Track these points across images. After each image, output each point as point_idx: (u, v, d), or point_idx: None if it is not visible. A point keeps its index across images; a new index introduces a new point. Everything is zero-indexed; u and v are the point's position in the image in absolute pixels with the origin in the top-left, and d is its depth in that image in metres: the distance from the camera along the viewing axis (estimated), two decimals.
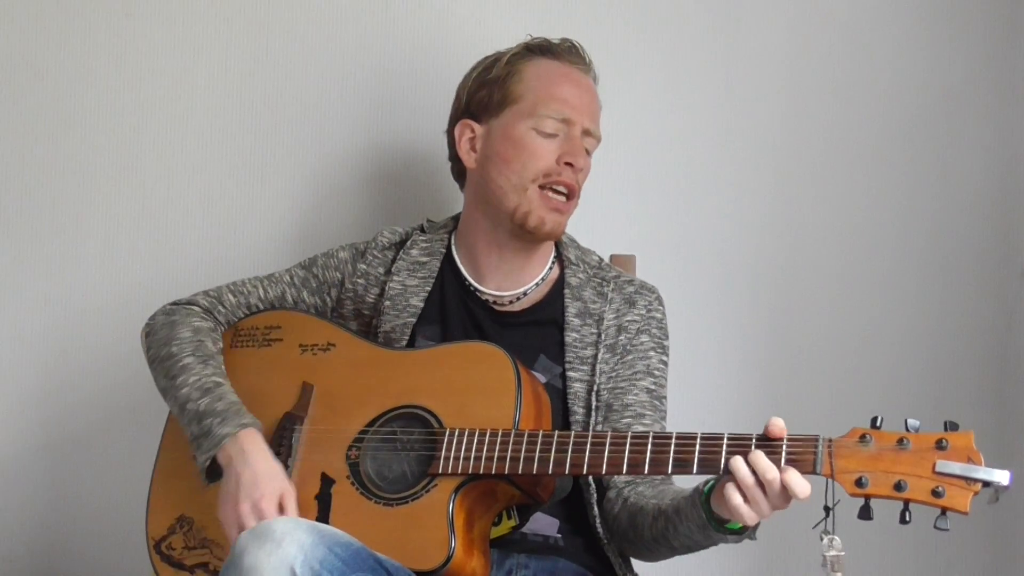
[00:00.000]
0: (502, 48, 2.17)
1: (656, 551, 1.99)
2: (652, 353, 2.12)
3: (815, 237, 2.65)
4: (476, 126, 2.14)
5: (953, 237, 2.65)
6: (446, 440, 1.90)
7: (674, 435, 1.79)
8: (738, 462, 1.72)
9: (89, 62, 2.56)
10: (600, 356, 2.08)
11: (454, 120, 2.18)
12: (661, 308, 2.16)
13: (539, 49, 2.15)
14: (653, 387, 2.11)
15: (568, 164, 2.08)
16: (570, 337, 2.10)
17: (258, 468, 1.93)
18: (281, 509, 1.91)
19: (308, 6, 2.59)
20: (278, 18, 2.58)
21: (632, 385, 2.09)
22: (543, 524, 2.06)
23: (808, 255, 2.65)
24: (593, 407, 2.06)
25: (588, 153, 2.13)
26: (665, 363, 2.14)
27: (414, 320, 2.14)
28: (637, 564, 2.10)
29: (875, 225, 2.65)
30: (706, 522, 1.80)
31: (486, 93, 2.13)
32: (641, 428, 2.06)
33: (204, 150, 2.58)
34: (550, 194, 2.09)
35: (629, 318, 2.12)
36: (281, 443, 2.04)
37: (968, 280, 2.64)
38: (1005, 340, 2.64)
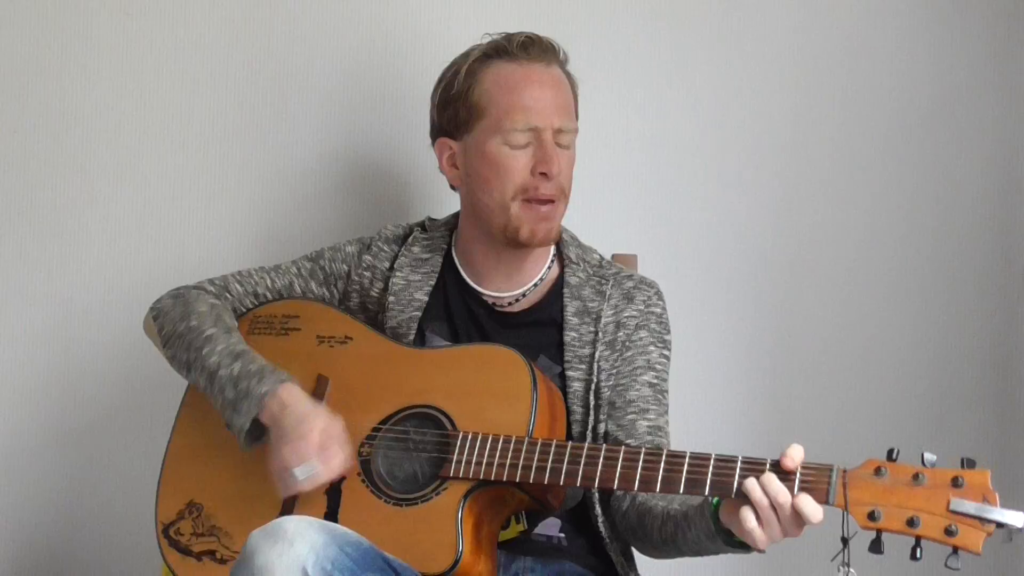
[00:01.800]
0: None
1: (665, 552, 1.99)
2: (652, 348, 2.11)
3: (816, 237, 2.65)
4: (453, 144, 2.12)
5: (955, 238, 2.65)
6: (459, 443, 1.90)
7: (688, 455, 1.79)
8: (752, 484, 1.72)
9: (90, 62, 2.55)
10: (598, 354, 2.08)
11: (433, 137, 2.16)
12: (661, 303, 2.14)
13: (495, 51, 2.09)
14: (655, 381, 2.09)
15: (543, 174, 2.05)
16: (569, 336, 2.09)
17: (299, 411, 1.93)
18: (327, 443, 1.91)
19: (310, 5, 2.58)
20: (280, 17, 2.57)
21: (633, 381, 2.08)
22: (546, 524, 2.07)
23: (809, 255, 2.65)
24: (592, 406, 2.06)
25: (566, 147, 2.08)
26: (667, 357, 2.12)
27: (419, 314, 2.14)
28: (641, 565, 2.10)
29: (877, 225, 2.65)
30: (715, 533, 1.80)
31: (452, 111, 2.10)
32: (646, 424, 2.05)
33: (206, 149, 2.57)
34: (534, 204, 2.06)
35: (627, 314, 2.11)
36: None
37: (970, 281, 2.65)
38: (1007, 341, 2.64)
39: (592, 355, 2.07)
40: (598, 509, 2.05)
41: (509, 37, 2.09)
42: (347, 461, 1.94)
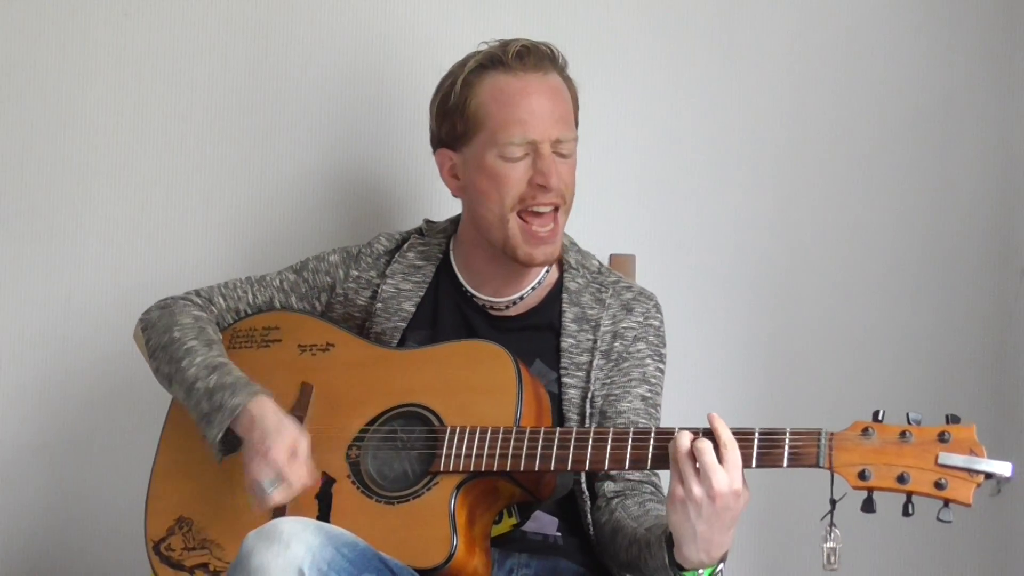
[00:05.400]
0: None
1: (629, 572, 1.98)
2: (649, 361, 2.10)
3: (815, 236, 2.66)
4: (453, 155, 2.11)
5: (953, 236, 2.67)
6: (447, 438, 1.90)
7: (677, 429, 1.79)
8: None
9: (88, 62, 2.55)
10: (595, 363, 2.07)
11: (434, 146, 2.16)
12: (659, 316, 2.14)
13: (491, 61, 2.07)
14: (648, 395, 2.09)
15: (541, 186, 2.04)
16: (566, 343, 2.09)
17: (268, 425, 1.94)
18: (294, 456, 1.92)
19: (307, 7, 2.59)
20: (277, 18, 2.58)
21: (627, 392, 2.07)
22: (543, 523, 2.07)
23: (808, 254, 2.66)
24: (587, 414, 2.06)
25: (566, 156, 2.07)
26: (662, 371, 2.12)
27: (404, 325, 2.14)
28: None
29: (875, 224, 2.66)
30: (667, 566, 1.80)
31: (450, 124, 2.09)
32: None
33: (203, 150, 2.57)
34: (535, 225, 2.05)
35: (625, 324, 2.10)
36: None
37: (967, 278, 2.66)
38: (1004, 339, 2.66)
39: (589, 363, 2.07)
40: (590, 518, 2.05)
41: (505, 46, 2.07)
42: (310, 476, 1.94)
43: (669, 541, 1.78)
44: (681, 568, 1.78)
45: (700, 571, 1.78)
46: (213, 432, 1.97)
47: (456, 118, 2.08)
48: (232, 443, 1.99)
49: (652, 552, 1.83)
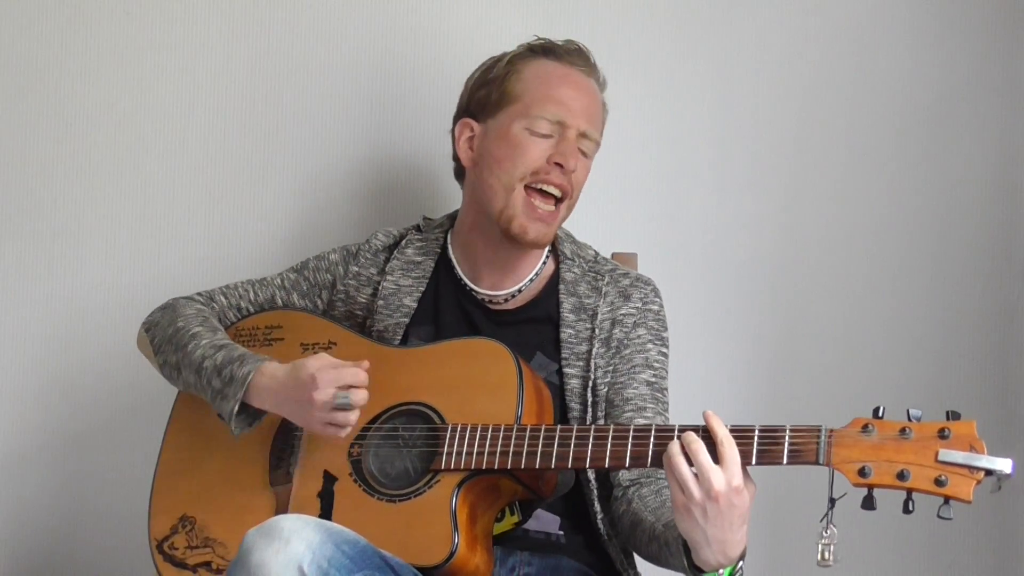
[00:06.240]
0: (505, 45, 2.16)
1: (655, 565, 1.99)
2: (650, 345, 2.11)
3: (817, 235, 2.66)
4: (475, 125, 2.13)
5: (954, 233, 2.66)
6: (448, 436, 1.91)
7: (677, 427, 1.79)
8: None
9: (90, 62, 2.57)
10: (595, 351, 2.08)
11: (456, 118, 2.18)
12: (658, 300, 2.15)
13: (542, 50, 2.13)
14: (653, 379, 2.10)
15: (558, 164, 2.06)
16: (565, 333, 2.10)
17: (285, 372, 1.96)
18: (333, 366, 1.94)
19: (309, 5, 2.60)
20: (279, 17, 2.59)
21: (631, 379, 2.08)
22: (545, 521, 2.07)
23: (810, 253, 2.66)
24: (590, 403, 2.06)
25: (585, 155, 2.10)
26: (665, 355, 2.13)
27: (407, 320, 2.15)
28: (639, 562, 2.09)
29: (877, 222, 2.66)
30: (687, 568, 1.80)
31: (485, 92, 2.12)
32: (643, 421, 2.05)
33: (205, 150, 2.59)
34: (537, 201, 2.06)
35: (624, 311, 2.11)
36: (284, 442, 2.05)
37: (970, 277, 2.65)
38: (1005, 335, 2.65)
39: (589, 352, 2.08)
40: (597, 506, 2.05)
41: (558, 42, 2.14)
42: (358, 365, 1.95)
43: (686, 545, 1.78)
44: (701, 571, 1.78)
45: (720, 571, 1.77)
46: (228, 406, 1.97)
47: (493, 87, 2.11)
48: (248, 418, 2.00)
49: (671, 552, 1.84)
